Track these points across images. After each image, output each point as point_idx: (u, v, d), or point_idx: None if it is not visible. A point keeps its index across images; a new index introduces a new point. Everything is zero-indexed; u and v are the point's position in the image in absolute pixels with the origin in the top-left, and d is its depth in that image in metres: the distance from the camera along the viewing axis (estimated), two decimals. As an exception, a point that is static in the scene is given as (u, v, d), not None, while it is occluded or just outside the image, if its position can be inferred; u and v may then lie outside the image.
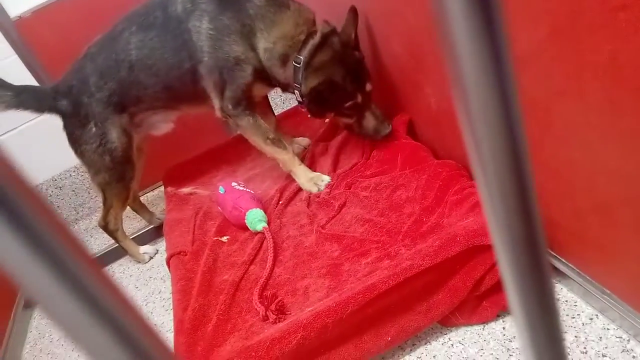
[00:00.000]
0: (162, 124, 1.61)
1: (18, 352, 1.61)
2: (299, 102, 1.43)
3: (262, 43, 1.35)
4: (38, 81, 1.86)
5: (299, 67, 1.34)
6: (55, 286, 0.20)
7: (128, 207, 1.87)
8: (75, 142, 1.52)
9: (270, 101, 2.29)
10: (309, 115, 1.45)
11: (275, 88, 1.48)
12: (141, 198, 1.94)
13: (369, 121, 1.42)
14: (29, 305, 1.79)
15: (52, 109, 1.50)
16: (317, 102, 1.37)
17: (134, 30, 1.41)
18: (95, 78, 1.45)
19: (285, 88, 1.44)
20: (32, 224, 0.19)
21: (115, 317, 0.22)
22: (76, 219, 2.27)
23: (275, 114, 1.84)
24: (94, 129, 1.48)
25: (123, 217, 1.72)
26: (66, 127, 1.51)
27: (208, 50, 1.34)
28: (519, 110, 0.25)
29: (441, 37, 0.23)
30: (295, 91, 1.39)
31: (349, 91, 1.36)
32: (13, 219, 0.18)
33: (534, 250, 0.30)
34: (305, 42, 1.35)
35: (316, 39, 1.34)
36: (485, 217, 0.29)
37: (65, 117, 1.50)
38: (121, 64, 1.42)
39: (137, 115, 1.52)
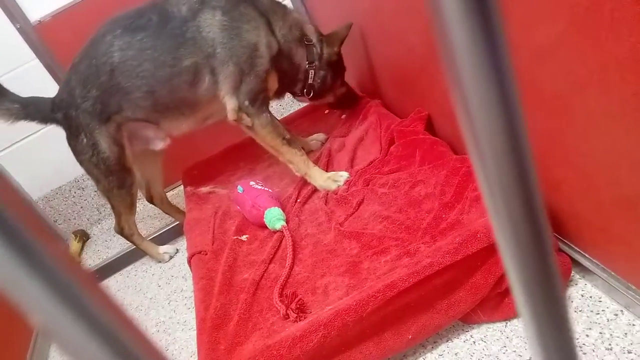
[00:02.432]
0: (156, 140, 1.59)
1: (45, 351, 1.65)
2: (309, 85, 1.56)
3: (280, 30, 1.45)
4: (59, 84, 1.89)
5: (312, 44, 1.53)
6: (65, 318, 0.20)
7: (159, 209, 1.89)
8: (74, 152, 1.54)
9: (285, 98, 2.31)
10: (310, 98, 1.61)
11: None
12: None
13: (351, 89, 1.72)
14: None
15: (53, 120, 1.52)
16: (339, 63, 1.60)
17: (118, 34, 1.40)
18: (79, 89, 1.44)
19: (290, 80, 1.55)
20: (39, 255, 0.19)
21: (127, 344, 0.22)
22: (99, 219, 2.31)
23: (291, 112, 1.84)
24: (85, 140, 1.49)
25: (144, 216, 1.74)
26: (66, 138, 1.53)
27: (222, 41, 1.36)
28: (520, 109, 0.24)
29: (438, 38, 0.22)
30: (310, 72, 1.54)
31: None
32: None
33: (540, 250, 0.29)
34: (304, 27, 1.54)
35: (309, 23, 1.57)
36: (489, 218, 0.28)
37: (63, 128, 1.52)
38: (101, 68, 1.41)
39: (123, 125, 1.50)
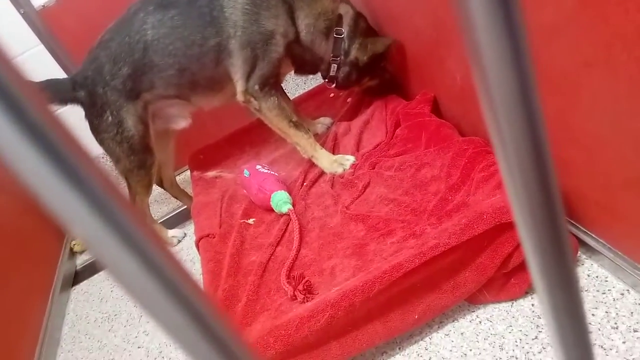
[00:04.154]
0: (180, 119, 1.61)
1: (57, 334, 1.68)
2: (330, 77, 1.53)
3: (303, 19, 1.42)
4: (64, 70, 1.89)
5: (341, 38, 1.47)
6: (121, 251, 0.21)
7: (168, 192, 1.90)
8: (95, 130, 1.53)
9: (291, 82, 2.30)
10: (333, 86, 1.58)
11: (292, 70, 1.54)
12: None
13: (388, 75, 1.60)
14: (66, 287, 1.86)
15: (73, 100, 1.51)
16: (368, 66, 1.51)
17: (150, 10, 1.41)
18: (109, 65, 1.44)
19: (310, 66, 1.53)
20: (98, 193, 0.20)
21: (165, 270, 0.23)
22: (106, 204, 2.33)
23: (296, 96, 1.84)
24: (110, 118, 1.48)
25: (151, 201, 1.75)
26: (86, 116, 1.53)
27: (242, 25, 1.37)
28: (535, 87, 0.25)
29: (459, 18, 0.23)
30: (333, 65, 1.50)
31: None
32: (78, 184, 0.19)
33: (553, 224, 0.30)
34: (340, 17, 1.47)
35: (351, 11, 1.49)
36: (507, 195, 0.29)
37: (84, 107, 1.52)
38: (135, 46, 1.41)
39: (151, 103, 1.51)
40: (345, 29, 1.47)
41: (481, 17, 0.23)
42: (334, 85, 1.58)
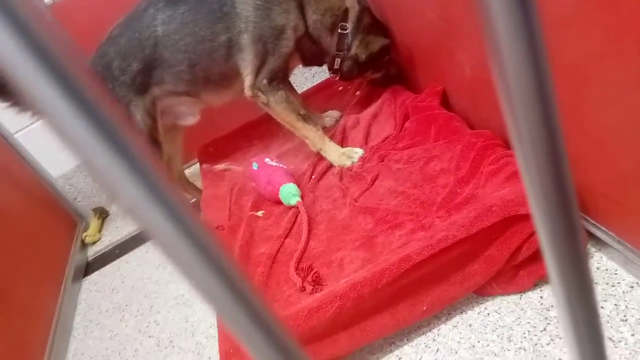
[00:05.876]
0: (188, 116, 1.62)
1: (69, 323, 1.71)
2: (334, 70, 1.56)
3: (311, 15, 1.45)
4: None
5: (345, 33, 1.49)
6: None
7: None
8: None
9: (300, 75, 2.30)
10: (337, 78, 1.61)
11: (299, 64, 1.56)
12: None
13: (394, 68, 1.63)
14: (77, 278, 1.89)
15: None
16: (369, 62, 1.55)
17: (160, 7, 1.42)
18: (118, 61, 1.45)
19: (316, 59, 1.54)
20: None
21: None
22: (117, 197, 2.35)
23: (305, 89, 1.84)
24: None
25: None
26: None
27: (254, 20, 1.38)
28: (551, 80, 0.25)
29: (478, 12, 0.24)
30: (337, 59, 1.53)
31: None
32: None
33: (566, 214, 0.30)
34: (346, 12, 1.48)
35: (356, 7, 1.50)
36: (524, 187, 0.30)
37: None
38: (145, 42, 1.42)
39: (160, 99, 1.52)
40: (349, 25, 1.49)
41: (500, 16, 0.24)
42: (338, 77, 1.60)
